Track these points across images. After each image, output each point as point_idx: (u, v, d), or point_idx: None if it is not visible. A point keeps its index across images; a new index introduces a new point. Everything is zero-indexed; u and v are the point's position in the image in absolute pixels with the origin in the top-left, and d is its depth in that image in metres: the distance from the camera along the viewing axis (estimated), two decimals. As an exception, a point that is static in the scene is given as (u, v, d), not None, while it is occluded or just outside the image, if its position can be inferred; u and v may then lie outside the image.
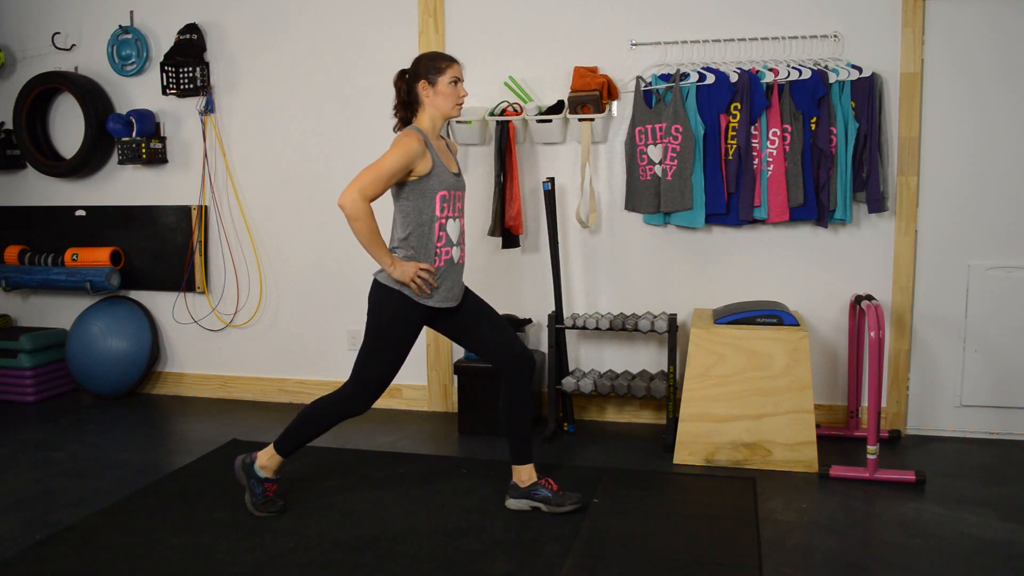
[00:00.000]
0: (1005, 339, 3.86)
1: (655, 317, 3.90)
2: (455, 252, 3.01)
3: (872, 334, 3.26)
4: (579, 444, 3.93)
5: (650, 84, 3.96)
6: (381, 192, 2.82)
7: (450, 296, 3.02)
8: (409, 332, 2.98)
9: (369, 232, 2.80)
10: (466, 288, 3.14)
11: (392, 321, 2.94)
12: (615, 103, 4.10)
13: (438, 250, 2.95)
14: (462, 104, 3.02)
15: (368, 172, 2.79)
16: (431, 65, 2.95)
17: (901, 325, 3.94)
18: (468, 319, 3.09)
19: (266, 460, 3.07)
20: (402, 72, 3.02)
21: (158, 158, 4.71)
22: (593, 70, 4.05)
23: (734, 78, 3.85)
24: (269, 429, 4.21)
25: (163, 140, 4.73)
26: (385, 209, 3.08)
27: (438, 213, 2.93)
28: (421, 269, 2.89)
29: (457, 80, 2.97)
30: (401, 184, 2.90)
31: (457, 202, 3.02)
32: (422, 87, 2.95)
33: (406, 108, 3.01)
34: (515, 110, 4.11)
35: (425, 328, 4.17)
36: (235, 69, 4.62)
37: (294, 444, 3.06)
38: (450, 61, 2.97)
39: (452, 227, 2.99)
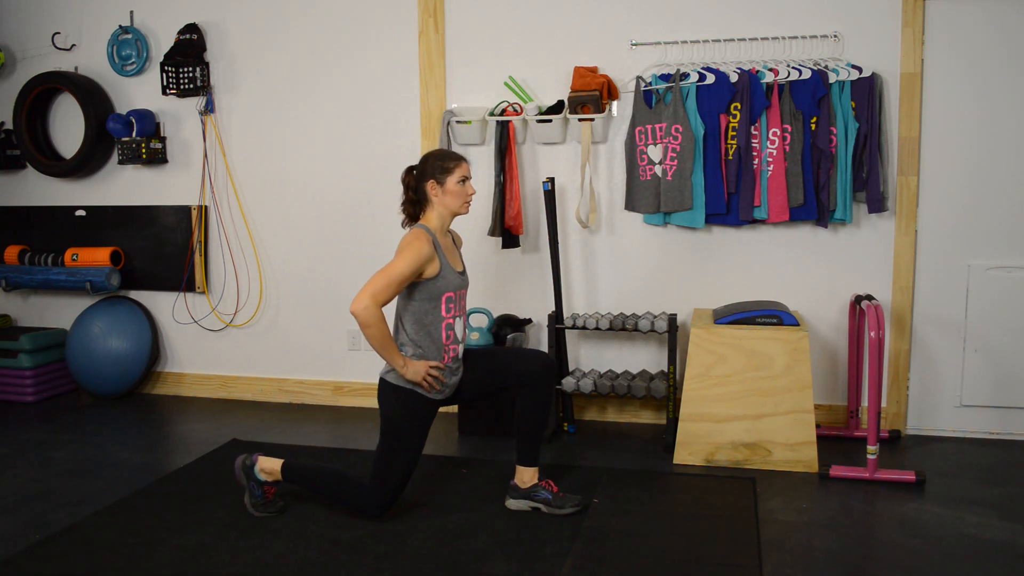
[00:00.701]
0: (1005, 339, 3.86)
1: (655, 317, 3.90)
2: (460, 349, 3.07)
3: (872, 334, 3.26)
4: (579, 444, 3.93)
5: (650, 84, 3.96)
6: (393, 297, 2.85)
7: (453, 387, 3.08)
8: (424, 425, 3.02)
9: (382, 337, 2.83)
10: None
11: (406, 419, 2.97)
12: (615, 103, 4.10)
13: (446, 347, 3.00)
14: (470, 202, 3.05)
15: (380, 278, 2.80)
16: (439, 165, 2.97)
17: (901, 325, 3.94)
18: (479, 374, 3.12)
19: (268, 467, 3.07)
20: (410, 169, 3.05)
21: (158, 158, 4.71)
22: (593, 70, 4.05)
23: (734, 78, 3.85)
24: (269, 429, 4.21)
25: (163, 140, 4.73)
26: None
27: (444, 314, 2.98)
28: (431, 367, 2.93)
29: (465, 179, 2.99)
30: (410, 285, 2.93)
31: (461, 300, 3.06)
32: (430, 187, 2.97)
33: (414, 205, 3.04)
34: (515, 110, 4.11)
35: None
36: (235, 69, 4.62)
37: (299, 481, 3.07)
38: (458, 160, 2.99)
39: (458, 325, 3.04)
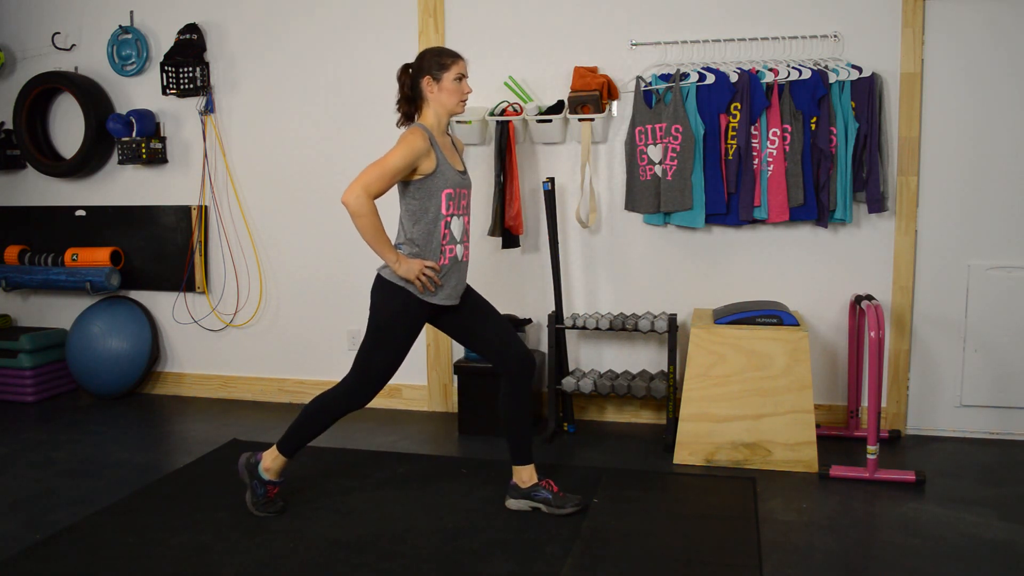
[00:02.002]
0: (1005, 339, 3.86)
1: (655, 317, 3.90)
2: (459, 250, 3.01)
3: (872, 334, 3.26)
4: (579, 444, 3.93)
5: (650, 84, 3.96)
6: (385, 189, 2.81)
7: (453, 294, 3.02)
8: (412, 328, 2.98)
9: (373, 229, 2.79)
10: (468, 287, 3.14)
11: (395, 317, 2.94)
12: (615, 103, 4.10)
13: (443, 248, 2.95)
14: (466, 101, 3.01)
15: (372, 169, 2.78)
16: (435, 61, 2.93)
17: (901, 325, 3.94)
18: (470, 318, 3.09)
19: (270, 462, 3.07)
20: (406, 66, 3.01)
21: (158, 158, 4.71)
22: (593, 70, 4.05)
23: (734, 78, 3.85)
24: (269, 429, 4.21)
25: (163, 140, 4.73)
26: (389, 207, 3.09)
27: (443, 211, 2.93)
28: (426, 266, 2.89)
29: (462, 76, 2.96)
30: (406, 182, 2.90)
31: (462, 200, 3.01)
32: (426, 83, 2.93)
33: (409, 103, 3.00)
34: (515, 110, 4.11)
35: (426, 327, 4.17)
36: (235, 69, 4.62)
37: (297, 443, 3.06)
38: (455, 57, 2.96)
39: (456, 225, 2.99)
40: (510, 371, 3.04)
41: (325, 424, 3.06)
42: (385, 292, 2.94)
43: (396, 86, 3.03)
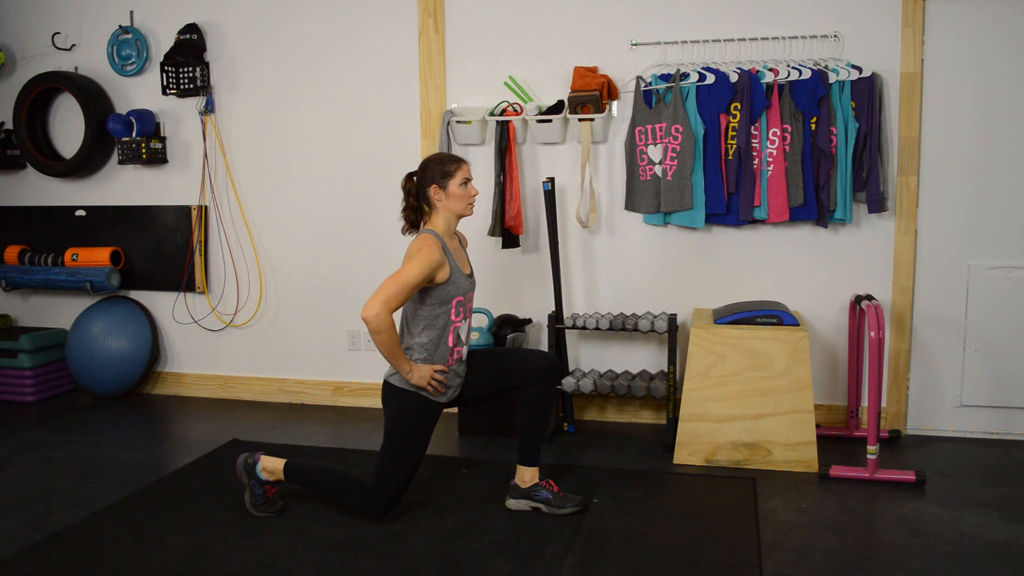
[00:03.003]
0: (1005, 339, 3.86)
1: (655, 317, 3.90)
2: (464, 352, 3.08)
3: (872, 334, 3.26)
4: (579, 444, 3.93)
5: (650, 84, 3.96)
6: (404, 303, 2.85)
7: (457, 391, 3.09)
8: (428, 428, 3.02)
9: (391, 343, 2.83)
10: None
11: (411, 421, 2.98)
12: (615, 103, 4.10)
13: (452, 350, 3.00)
14: (474, 203, 3.05)
15: (391, 284, 2.80)
16: (439, 170, 2.96)
17: (901, 325, 3.94)
18: (482, 376, 3.13)
19: (270, 465, 3.08)
20: (410, 175, 3.05)
21: (158, 158, 4.71)
22: (593, 70, 4.05)
23: (734, 78, 3.85)
24: (269, 429, 4.21)
25: (163, 140, 4.73)
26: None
27: (453, 317, 2.98)
28: (436, 371, 2.94)
29: (467, 180, 2.99)
30: (420, 291, 2.94)
31: (469, 303, 3.07)
32: (433, 191, 2.97)
33: (415, 212, 3.04)
34: (515, 110, 4.11)
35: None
36: (235, 69, 4.62)
37: (301, 481, 3.07)
38: (458, 162, 2.99)
39: (464, 328, 3.05)
40: (539, 376, 3.06)
41: (330, 497, 3.05)
42: (398, 399, 2.98)
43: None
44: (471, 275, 3.09)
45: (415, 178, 3.02)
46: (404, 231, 3.09)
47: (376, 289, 2.81)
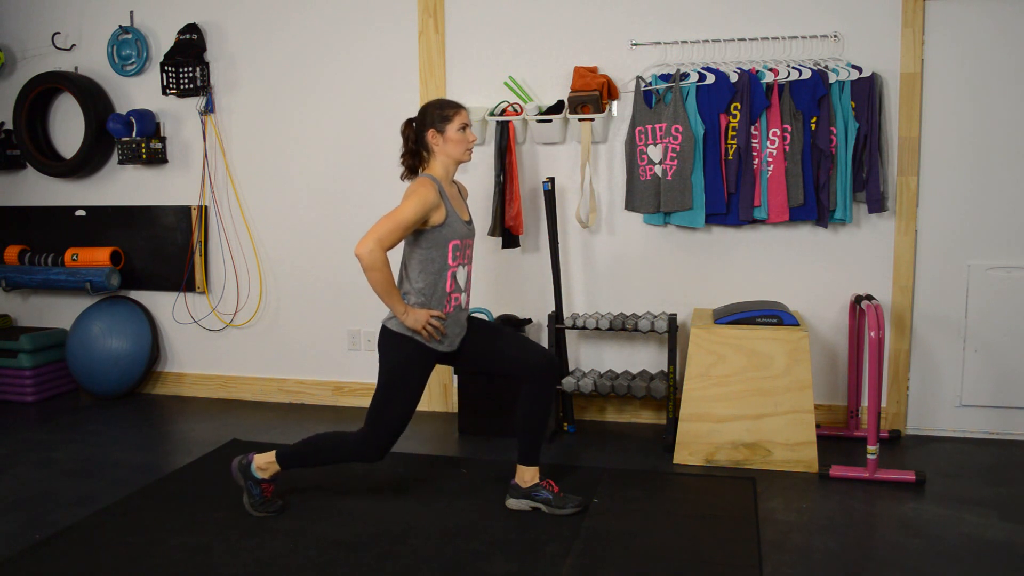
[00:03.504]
0: (1005, 339, 3.86)
1: (655, 317, 3.90)
2: (463, 298, 3.07)
3: (872, 334, 3.26)
4: (579, 444, 3.93)
5: (650, 84, 3.96)
6: (398, 242, 2.85)
7: (455, 341, 3.07)
8: (421, 376, 3.02)
9: (385, 282, 2.82)
10: (469, 315, 3.17)
11: (406, 367, 2.97)
12: (615, 103, 4.10)
13: (448, 296, 2.99)
14: (472, 149, 3.05)
15: (386, 222, 2.80)
16: (438, 114, 2.97)
17: (901, 325, 3.94)
18: (482, 345, 3.12)
19: (264, 463, 3.07)
20: (409, 121, 3.05)
21: (158, 158, 4.71)
22: (593, 70, 4.05)
23: (734, 78, 3.85)
24: (269, 429, 4.21)
25: (163, 140, 4.73)
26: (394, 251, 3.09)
27: (450, 262, 2.97)
28: (432, 316, 2.93)
29: (465, 126, 2.99)
30: (416, 233, 2.93)
31: (467, 249, 3.06)
32: (431, 136, 2.97)
33: (414, 156, 3.04)
34: (515, 110, 4.11)
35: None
36: (235, 69, 4.62)
37: (297, 464, 3.07)
38: (457, 108, 3.00)
39: (461, 274, 3.03)
40: (537, 374, 3.05)
41: (329, 461, 3.07)
42: (393, 343, 2.97)
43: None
44: (470, 222, 3.08)
45: (414, 123, 3.03)
46: (403, 177, 3.09)
47: (371, 227, 2.81)
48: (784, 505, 3.16)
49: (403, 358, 2.96)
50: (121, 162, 4.71)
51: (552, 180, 3.95)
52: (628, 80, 4.07)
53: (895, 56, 3.82)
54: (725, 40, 3.94)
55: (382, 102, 4.40)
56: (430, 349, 2.99)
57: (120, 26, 4.71)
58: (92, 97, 4.71)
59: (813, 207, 3.84)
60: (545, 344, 4.26)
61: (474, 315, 3.20)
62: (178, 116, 4.73)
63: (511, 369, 3.09)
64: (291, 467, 3.08)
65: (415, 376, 2.99)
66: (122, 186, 4.88)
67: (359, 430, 3.01)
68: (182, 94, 4.63)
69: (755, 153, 3.85)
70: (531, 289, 4.33)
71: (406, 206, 2.83)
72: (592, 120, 3.99)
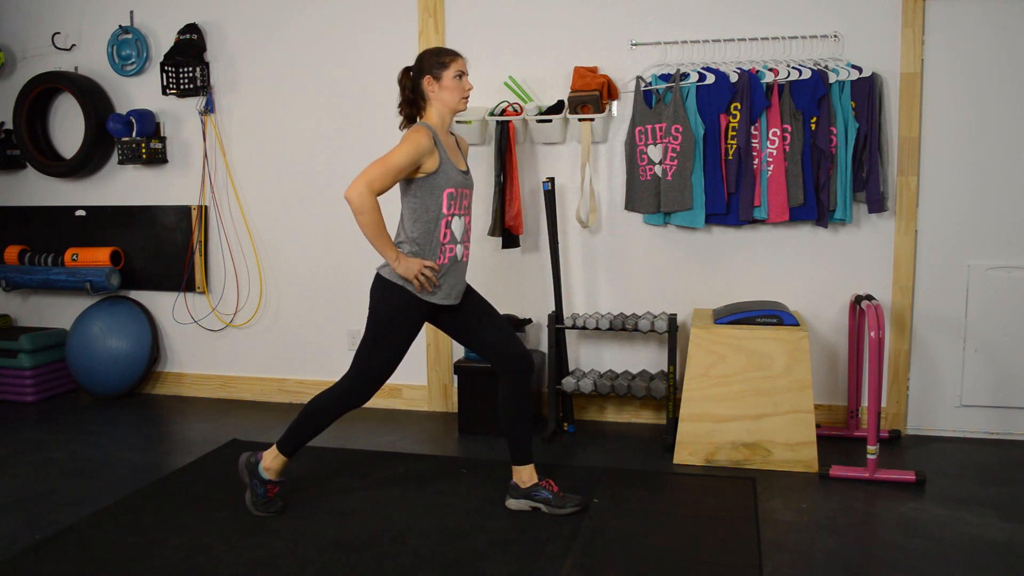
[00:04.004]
0: (1005, 339, 3.86)
1: (655, 317, 3.90)
2: (459, 250, 3.02)
3: (872, 334, 3.26)
4: (579, 444, 3.93)
5: (650, 84, 3.96)
6: (389, 186, 2.82)
7: (452, 293, 3.02)
8: (411, 327, 2.99)
9: (375, 226, 2.80)
10: (468, 286, 3.14)
11: (394, 316, 2.94)
12: (615, 103, 4.10)
13: (443, 247, 2.95)
14: (468, 98, 3.01)
15: (376, 166, 2.79)
16: (435, 60, 2.95)
17: (901, 325, 3.94)
18: (469, 318, 3.09)
19: (270, 461, 3.07)
20: (406, 69, 3.02)
21: (158, 158, 4.71)
22: (593, 70, 4.05)
23: (734, 78, 3.85)
24: (269, 429, 4.21)
25: (163, 140, 4.73)
26: (391, 205, 3.08)
27: (444, 210, 2.93)
28: (425, 266, 2.90)
29: (462, 74, 2.97)
30: (409, 180, 2.91)
31: (464, 200, 3.01)
32: (427, 83, 2.95)
33: (411, 105, 3.01)
34: (515, 110, 4.11)
35: (425, 327, 4.17)
36: (235, 69, 4.62)
37: (296, 442, 3.06)
38: (454, 55, 2.97)
39: (457, 225, 2.99)
40: (509, 371, 3.05)
41: (324, 423, 3.06)
42: (384, 291, 2.95)
43: (395, 87, 3.04)
44: (467, 172, 3.04)
45: (411, 72, 3.01)
46: (401, 127, 3.06)
47: (361, 171, 2.80)
48: (784, 505, 3.16)
49: (394, 307, 2.93)
50: (121, 162, 4.71)
51: (552, 180, 3.95)
52: (628, 80, 4.07)
53: (895, 56, 3.82)
54: (725, 40, 3.94)
55: (382, 102, 4.40)
56: (422, 300, 2.95)
57: (120, 26, 4.71)
58: (92, 97, 4.71)
59: (813, 207, 3.84)
60: (545, 344, 4.26)
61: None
62: (178, 116, 4.73)
63: (484, 353, 3.08)
64: (293, 448, 3.06)
65: (404, 326, 2.96)
66: (122, 186, 4.88)
67: (342, 378, 3.01)
68: (182, 94, 4.63)
69: (755, 153, 3.85)
70: (531, 289, 4.33)
71: (398, 150, 2.80)
72: (592, 120, 3.99)
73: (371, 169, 2.78)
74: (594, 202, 4.10)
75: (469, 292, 3.13)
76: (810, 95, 3.76)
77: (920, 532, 2.91)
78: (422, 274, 2.89)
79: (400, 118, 3.05)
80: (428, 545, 2.83)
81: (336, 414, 3.04)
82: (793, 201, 3.83)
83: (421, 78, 2.95)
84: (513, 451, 3.11)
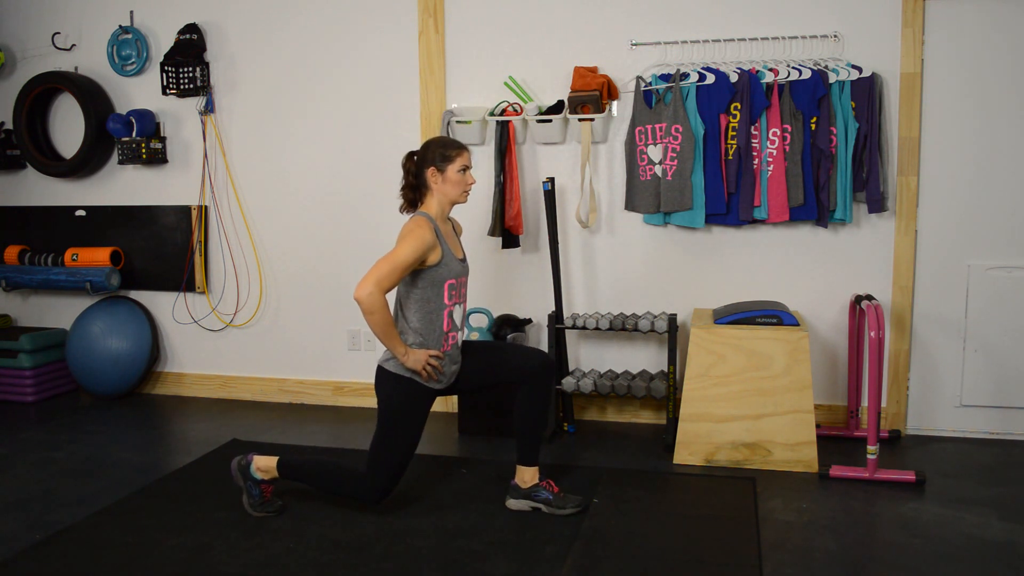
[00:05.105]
0: (1005, 339, 3.86)
1: (655, 317, 3.90)
2: (459, 336, 3.07)
3: (872, 334, 3.26)
4: (579, 444, 3.93)
5: (650, 84, 3.96)
6: (396, 283, 2.85)
7: (452, 377, 3.08)
8: (421, 415, 3.02)
9: (385, 324, 2.83)
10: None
11: (404, 407, 2.97)
12: (615, 103, 4.10)
13: (446, 336, 3.00)
14: (469, 191, 3.05)
15: (384, 264, 2.80)
16: (440, 152, 2.97)
17: (901, 325, 3.94)
18: (479, 364, 3.12)
19: (264, 465, 3.07)
20: (411, 154, 3.05)
21: (158, 158, 4.71)
22: (593, 70, 4.05)
23: (734, 78, 3.85)
24: (269, 429, 4.21)
25: (163, 140, 4.73)
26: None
27: (446, 301, 2.98)
28: (431, 356, 2.93)
29: (466, 168, 2.99)
30: (412, 273, 2.93)
31: (462, 288, 3.06)
32: (431, 173, 2.97)
33: (413, 190, 3.03)
34: (515, 110, 4.11)
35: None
36: (235, 69, 4.62)
37: (295, 476, 3.07)
38: (459, 149, 2.99)
39: (457, 313, 3.04)
40: (537, 375, 3.05)
41: (327, 489, 3.07)
42: (392, 384, 2.97)
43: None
44: (464, 260, 3.08)
45: (415, 157, 3.03)
46: (402, 210, 3.09)
47: (368, 270, 2.81)
48: (784, 505, 3.16)
49: (402, 398, 2.97)
50: (121, 162, 4.71)
51: (552, 180, 3.95)
52: (628, 80, 4.07)
53: (895, 56, 3.82)
54: (725, 40, 3.94)
55: (382, 102, 4.40)
56: (428, 388, 3.00)
57: (120, 26, 4.71)
58: (92, 97, 4.71)
59: (813, 207, 3.84)
60: (545, 344, 4.26)
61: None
62: (178, 116, 4.73)
63: (510, 377, 3.09)
64: (289, 479, 3.09)
65: (415, 416, 3.00)
66: (122, 186, 4.88)
67: (362, 469, 3.01)
68: (182, 94, 4.63)
69: (755, 153, 3.85)
70: (531, 289, 4.33)
71: (403, 247, 2.83)
72: (592, 120, 3.99)
73: (378, 268, 2.80)
74: (594, 202, 4.10)
75: (466, 344, 3.17)
76: (810, 95, 3.76)
77: (920, 532, 2.91)
78: (429, 364, 2.92)
79: (400, 200, 3.07)
80: (428, 545, 2.83)
81: (343, 493, 3.04)
82: (793, 201, 3.83)
83: (425, 168, 2.98)
84: (521, 451, 3.11)
